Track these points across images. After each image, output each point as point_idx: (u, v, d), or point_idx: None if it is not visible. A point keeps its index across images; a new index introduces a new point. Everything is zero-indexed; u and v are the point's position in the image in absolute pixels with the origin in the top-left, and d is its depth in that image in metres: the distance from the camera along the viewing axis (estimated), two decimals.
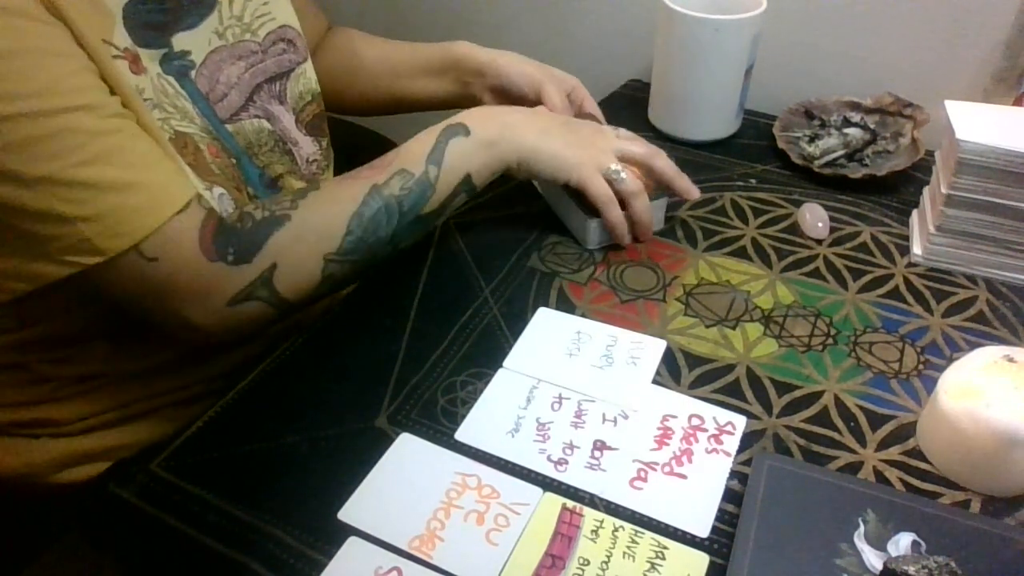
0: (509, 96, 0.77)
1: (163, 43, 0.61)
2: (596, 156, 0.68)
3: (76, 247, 0.51)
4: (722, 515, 0.49)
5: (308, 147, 0.73)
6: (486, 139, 0.65)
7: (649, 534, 0.48)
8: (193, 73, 0.63)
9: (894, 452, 0.53)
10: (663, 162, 0.70)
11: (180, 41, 0.62)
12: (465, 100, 0.80)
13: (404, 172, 0.62)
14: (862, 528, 0.47)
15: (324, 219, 0.60)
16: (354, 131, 1.11)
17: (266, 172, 0.69)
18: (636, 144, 0.71)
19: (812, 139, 0.85)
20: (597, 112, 0.80)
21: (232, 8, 0.66)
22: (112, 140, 0.52)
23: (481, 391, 0.57)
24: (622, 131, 0.73)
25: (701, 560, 0.47)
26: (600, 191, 0.67)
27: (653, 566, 0.46)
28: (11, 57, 0.48)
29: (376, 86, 0.84)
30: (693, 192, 0.71)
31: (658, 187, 0.71)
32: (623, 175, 0.67)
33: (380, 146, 1.10)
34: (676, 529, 0.48)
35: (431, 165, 0.63)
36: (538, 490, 0.51)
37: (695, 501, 0.50)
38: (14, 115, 0.48)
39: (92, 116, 0.51)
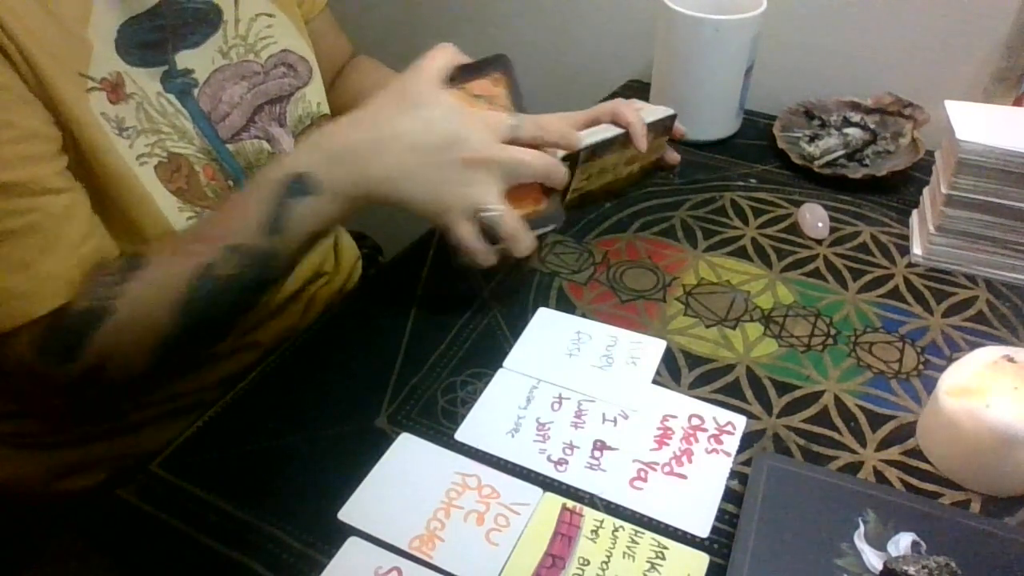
0: None
1: (162, 60, 0.60)
2: (469, 194, 0.55)
3: None
4: (722, 515, 0.49)
5: None
6: (338, 194, 0.54)
7: (649, 534, 0.48)
8: (196, 92, 0.62)
9: (894, 452, 0.53)
10: (558, 180, 0.58)
11: (182, 59, 0.61)
12: None
13: (237, 248, 0.53)
14: (862, 528, 0.47)
15: (148, 310, 0.54)
16: None
17: None
18: (528, 162, 0.56)
19: (812, 139, 0.85)
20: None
21: (238, 28, 0.65)
22: (19, 221, 0.50)
23: (481, 391, 0.57)
24: (526, 126, 0.57)
25: (701, 560, 0.47)
26: (464, 242, 0.55)
27: (653, 566, 0.46)
28: None
29: None
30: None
31: (548, 209, 0.60)
32: (497, 216, 0.55)
33: None
34: (676, 529, 0.48)
35: (270, 235, 0.54)
36: (538, 490, 0.51)
37: (695, 501, 0.50)
38: None
39: (7, 195, 0.49)
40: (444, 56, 0.58)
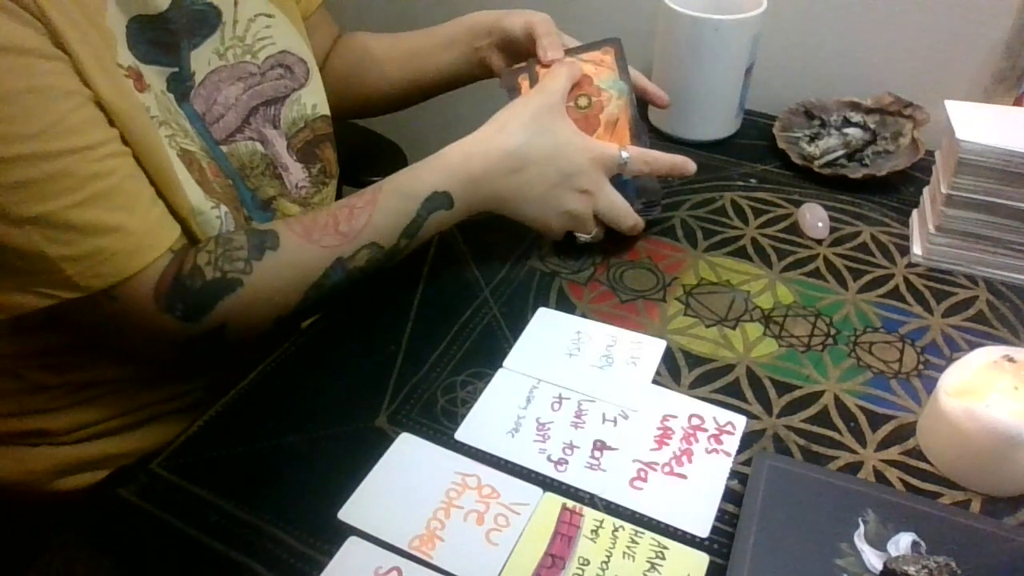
0: (515, 51, 0.75)
1: (172, 61, 0.60)
2: (570, 222, 0.66)
3: (54, 283, 0.51)
4: (722, 515, 0.49)
5: (298, 173, 0.72)
6: (467, 210, 0.64)
7: (649, 534, 0.48)
8: (192, 93, 0.62)
9: (894, 452, 0.53)
10: (630, 232, 0.69)
11: (189, 60, 0.61)
12: (476, 69, 0.79)
13: (373, 246, 0.60)
14: (862, 528, 0.47)
15: (280, 287, 0.58)
16: (365, 136, 1.11)
17: (257, 194, 0.68)
18: (617, 218, 0.67)
19: (812, 139, 0.85)
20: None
21: (236, 29, 0.65)
22: (104, 183, 0.52)
23: (481, 391, 0.57)
24: (634, 162, 0.66)
25: (701, 560, 0.47)
26: (554, 240, 0.69)
27: (653, 566, 0.46)
28: (13, 99, 0.47)
29: (389, 75, 0.83)
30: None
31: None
32: (587, 240, 0.68)
33: (389, 153, 1.10)
34: (676, 529, 0.48)
35: (403, 239, 0.62)
36: (538, 490, 0.51)
37: (695, 501, 0.50)
38: (12, 157, 0.48)
39: (87, 159, 0.51)
40: (567, 74, 0.66)
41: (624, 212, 0.67)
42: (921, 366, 0.60)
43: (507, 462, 0.52)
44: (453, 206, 0.62)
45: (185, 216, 0.58)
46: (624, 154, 0.65)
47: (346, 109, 0.82)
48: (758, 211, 0.77)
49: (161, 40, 0.59)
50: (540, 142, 0.63)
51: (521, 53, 0.74)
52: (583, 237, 0.68)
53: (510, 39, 0.74)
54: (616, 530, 0.48)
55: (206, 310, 0.56)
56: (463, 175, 0.62)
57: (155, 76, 0.59)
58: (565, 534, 0.48)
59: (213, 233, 0.60)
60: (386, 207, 0.61)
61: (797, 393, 0.57)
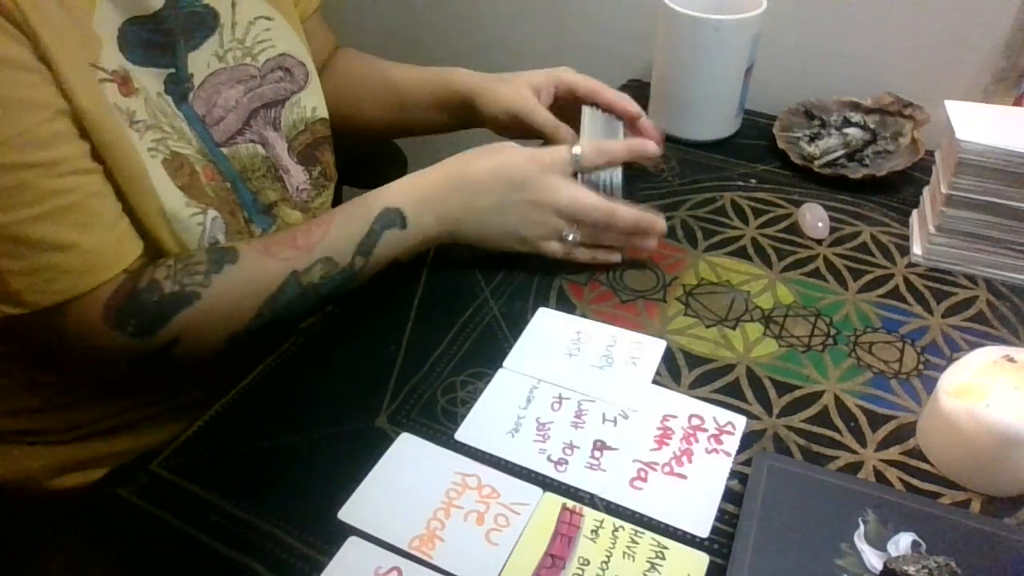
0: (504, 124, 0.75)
1: (169, 63, 0.60)
2: (544, 230, 0.65)
3: (1, 296, 0.51)
4: (722, 515, 0.49)
5: (298, 176, 0.72)
6: (422, 232, 0.63)
7: (649, 534, 0.48)
8: (191, 95, 0.62)
9: (894, 452, 0.53)
10: (623, 223, 0.65)
11: (187, 62, 0.61)
12: (469, 125, 0.80)
13: (328, 261, 0.60)
14: (862, 528, 0.47)
15: (235, 300, 0.58)
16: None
17: (259, 198, 0.68)
18: (587, 209, 0.64)
19: (812, 139, 0.85)
20: (619, 98, 0.73)
21: (235, 31, 0.65)
22: (64, 200, 0.51)
23: (481, 391, 0.57)
24: (587, 155, 0.65)
25: (701, 560, 0.47)
26: (555, 257, 0.66)
27: (653, 566, 0.46)
28: None
29: (383, 115, 0.83)
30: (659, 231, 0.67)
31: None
32: (576, 237, 0.65)
33: (390, 155, 1.09)
34: (676, 529, 0.48)
35: (359, 256, 0.61)
36: (538, 490, 0.51)
37: (695, 501, 0.50)
38: None
39: (49, 174, 0.50)
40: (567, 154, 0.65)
41: (592, 202, 0.64)
42: (921, 366, 0.60)
43: (507, 462, 0.52)
44: (406, 225, 0.62)
45: (157, 223, 0.58)
46: (576, 150, 0.64)
47: (340, 128, 0.82)
48: (758, 211, 0.77)
49: (156, 41, 0.59)
50: (484, 159, 0.64)
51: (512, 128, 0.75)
52: (567, 235, 0.65)
53: (496, 121, 0.75)
54: (616, 530, 0.48)
55: (159, 325, 0.55)
56: (414, 194, 0.63)
57: (151, 78, 0.59)
58: (565, 534, 0.48)
59: (191, 240, 0.60)
60: (341, 222, 0.61)
61: (797, 393, 0.57)
